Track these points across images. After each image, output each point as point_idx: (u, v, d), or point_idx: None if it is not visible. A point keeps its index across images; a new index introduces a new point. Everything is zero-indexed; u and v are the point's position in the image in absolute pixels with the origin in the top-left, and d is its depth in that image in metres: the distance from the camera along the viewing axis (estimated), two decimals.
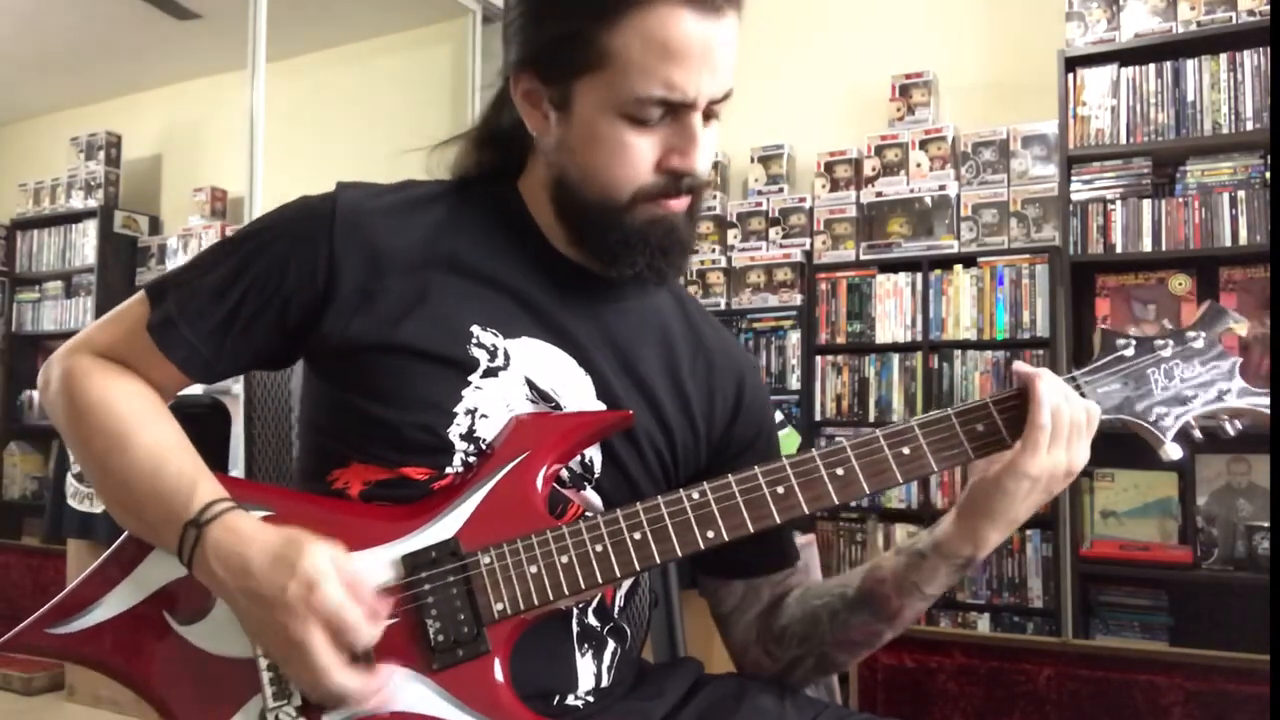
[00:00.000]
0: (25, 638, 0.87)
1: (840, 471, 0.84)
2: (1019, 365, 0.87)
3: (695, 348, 0.99)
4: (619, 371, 0.93)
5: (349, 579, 0.76)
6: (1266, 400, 0.87)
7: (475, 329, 0.88)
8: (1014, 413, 0.86)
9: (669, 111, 0.82)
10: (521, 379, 0.89)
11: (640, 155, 0.83)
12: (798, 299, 3.31)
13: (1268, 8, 2.71)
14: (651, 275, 0.88)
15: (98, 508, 3.16)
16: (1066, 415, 0.84)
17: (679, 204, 0.87)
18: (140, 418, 0.86)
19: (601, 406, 0.91)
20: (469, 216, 0.93)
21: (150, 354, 0.88)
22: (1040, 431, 0.83)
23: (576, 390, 0.91)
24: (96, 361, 0.89)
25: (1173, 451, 0.87)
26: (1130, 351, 0.88)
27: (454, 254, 0.90)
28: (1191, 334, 0.88)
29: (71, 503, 3.24)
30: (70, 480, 3.28)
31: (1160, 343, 0.88)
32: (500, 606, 0.81)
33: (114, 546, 0.89)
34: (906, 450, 0.85)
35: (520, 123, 0.90)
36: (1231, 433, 0.89)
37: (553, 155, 0.88)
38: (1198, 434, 0.88)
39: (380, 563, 0.82)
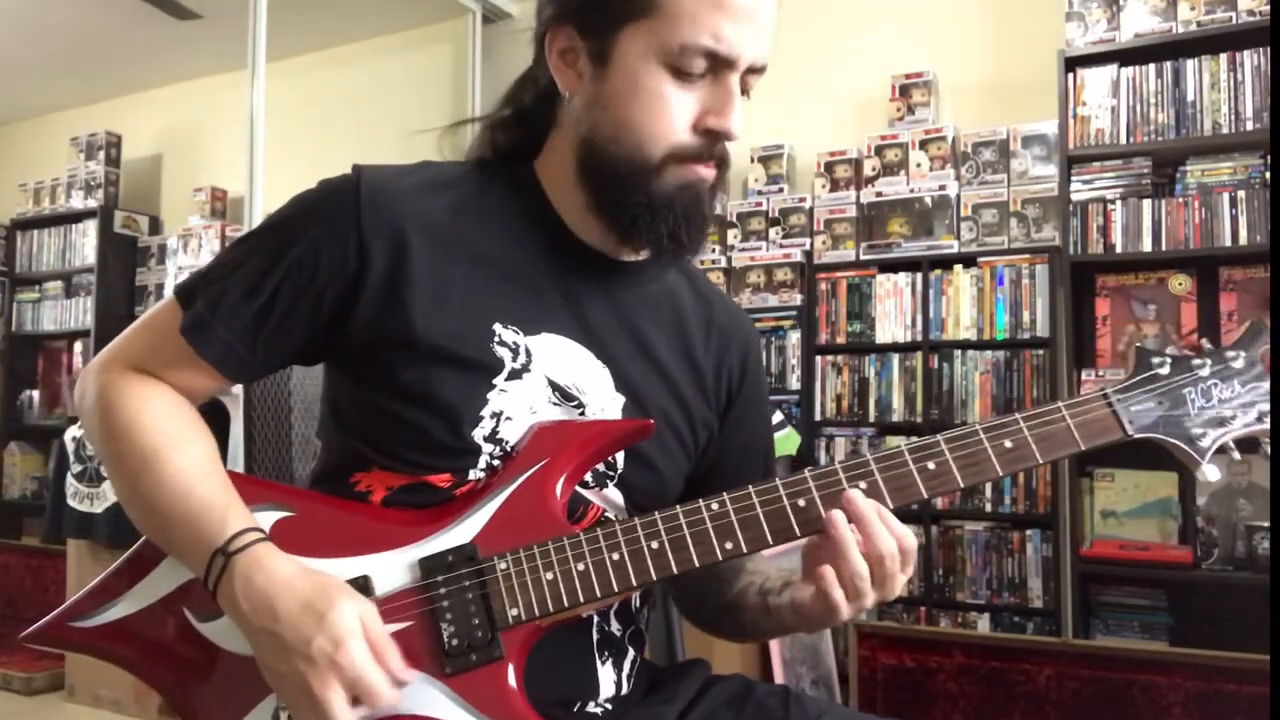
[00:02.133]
0: (49, 631, 0.87)
1: (863, 485, 0.82)
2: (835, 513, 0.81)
3: (707, 323, 1.00)
4: (635, 357, 0.93)
5: (375, 639, 0.76)
6: None
7: (497, 327, 0.87)
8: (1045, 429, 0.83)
9: (711, 68, 0.83)
10: (544, 380, 0.88)
11: (679, 109, 0.83)
12: (798, 299, 3.31)
13: (1268, 8, 2.70)
14: (671, 246, 0.87)
15: (97, 508, 3.15)
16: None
17: (708, 171, 0.87)
18: (173, 439, 0.85)
19: (621, 398, 0.91)
20: (489, 201, 0.92)
21: (185, 358, 0.87)
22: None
23: (596, 383, 0.91)
24: (131, 377, 0.88)
25: (1210, 474, 0.83)
26: (1166, 370, 0.85)
27: (475, 244, 0.89)
28: (1231, 353, 0.85)
29: (71, 503, 3.24)
30: (70, 480, 3.28)
31: (1198, 362, 0.85)
32: (515, 612, 0.80)
33: (137, 544, 0.89)
34: (932, 465, 0.83)
35: (543, 102, 0.91)
36: (1269, 452, 0.86)
37: (583, 114, 0.87)
38: (1236, 455, 0.84)
39: (397, 566, 0.82)
